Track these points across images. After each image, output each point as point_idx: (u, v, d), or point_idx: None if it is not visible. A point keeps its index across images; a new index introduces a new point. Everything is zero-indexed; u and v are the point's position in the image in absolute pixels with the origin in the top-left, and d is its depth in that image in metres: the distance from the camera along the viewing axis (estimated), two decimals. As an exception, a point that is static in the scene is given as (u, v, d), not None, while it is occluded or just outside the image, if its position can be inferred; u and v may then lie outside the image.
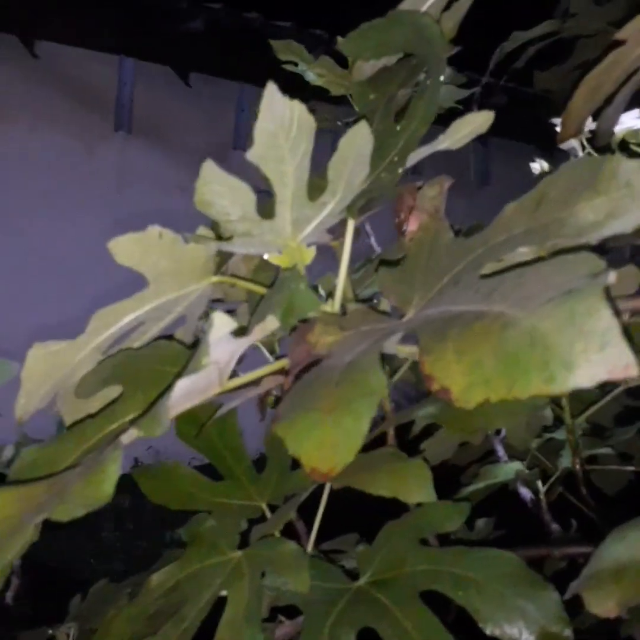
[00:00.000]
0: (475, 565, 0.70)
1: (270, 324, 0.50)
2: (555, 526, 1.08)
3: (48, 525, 0.42)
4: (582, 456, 1.12)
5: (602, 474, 1.28)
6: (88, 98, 4.69)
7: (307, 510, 0.83)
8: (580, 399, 1.03)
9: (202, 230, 0.58)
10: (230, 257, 0.62)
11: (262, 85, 0.47)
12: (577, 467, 0.90)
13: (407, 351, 0.51)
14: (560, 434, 1.11)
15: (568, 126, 0.67)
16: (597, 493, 1.31)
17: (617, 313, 0.35)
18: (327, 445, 0.40)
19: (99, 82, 4.77)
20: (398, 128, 0.57)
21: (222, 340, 0.46)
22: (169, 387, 0.44)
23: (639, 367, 0.34)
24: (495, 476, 1.09)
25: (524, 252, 0.46)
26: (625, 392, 1.25)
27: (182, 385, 0.44)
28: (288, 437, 0.41)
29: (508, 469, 1.09)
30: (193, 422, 0.80)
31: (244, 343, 0.50)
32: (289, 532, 0.83)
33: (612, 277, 0.37)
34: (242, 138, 5.02)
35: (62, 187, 4.65)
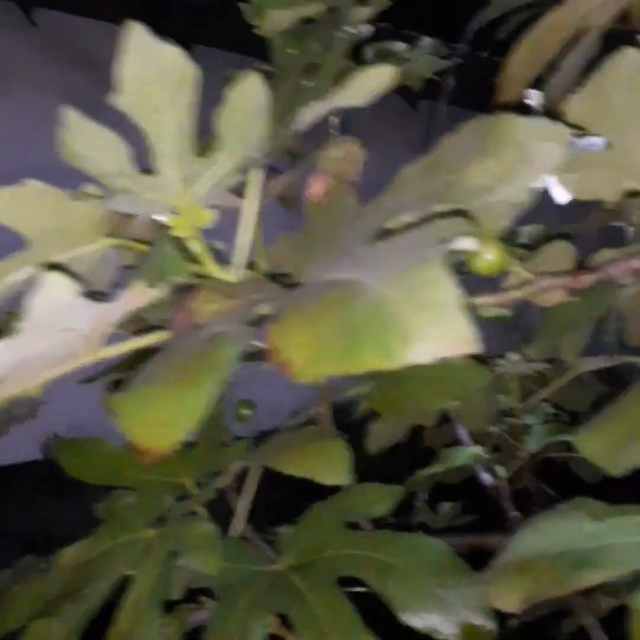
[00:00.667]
0: (400, 551, 0.66)
1: (139, 289, 0.47)
2: (514, 514, 1.05)
3: None
4: (553, 441, 1.08)
5: (579, 461, 1.25)
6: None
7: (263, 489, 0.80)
8: (543, 382, 0.99)
9: (87, 187, 0.54)
10: (134, 219, 0.58)
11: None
12: (519, 452, 0.86)
13: None
14: (529, 419, 1.07)
15: (504, 90, 0.63)
16: (576, 480, 1.27)
17: (458, 284, 0.30)
18: (157, 422, 0.36)
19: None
20: (309, 84, 0.53)
21: (75, 306, 0.42)
22: None
23: (479, 342, 0.30)
24: (453, 460, 1.05)
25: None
26: (598, 378, 1.21)
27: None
28: (120, 412, 0.38)
29: (467, 454, 1.05)
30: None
31: (114, 309, 0.46)
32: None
33: (458, 243, 0.33)
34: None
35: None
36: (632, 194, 0.55)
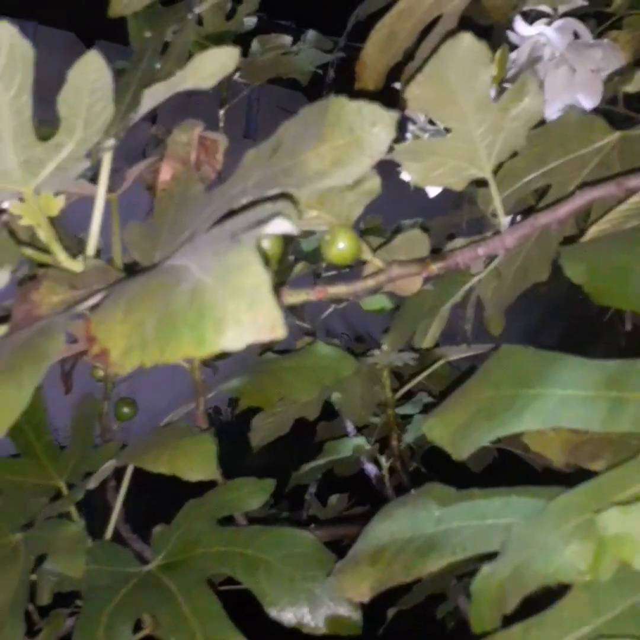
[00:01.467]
0: (268, 545, 0.66)
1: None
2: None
3: None
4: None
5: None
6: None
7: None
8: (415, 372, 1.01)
9: None
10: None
11: None
12: (395, 442, 0.87)
13: None
14: (409, 409, 1.08)
15: (362, 79, 0.63)
16: (465, 470, 1.29)
17: (267, 266, 0.30)
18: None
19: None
20: (157, 66, 0.52)
21: None
22: None
23: (285, 328, 0.30)
24: (337, 451, 1.06)
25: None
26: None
27: None
28: None
29: (350, 445, 1.06)
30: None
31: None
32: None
33: (277, 226, 0.32)
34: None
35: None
36: (480, 183, 0.56)
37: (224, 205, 0.45)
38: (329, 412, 1.08)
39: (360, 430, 1.12)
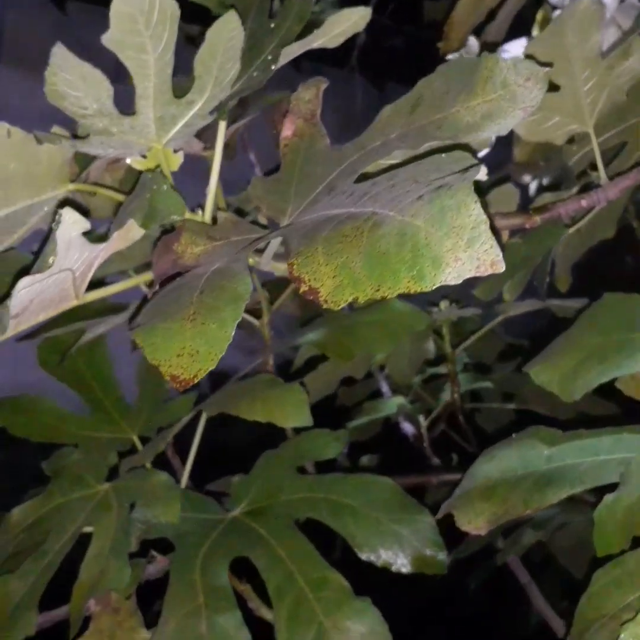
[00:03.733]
0: (352, 491, 0.69)
1: (131, 230, 0.46)
2: (436, 460, 1.09)
3: None
4: (463, 391, 1.13)
5: (484, 412, 1.30)
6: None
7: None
8: (461, 332, 1.04)
9: (57, 129, 0.53)
10: (91, 163, 0.57)
11: None
12: (456, 396, 0.90)
13: (283, 268, 0.48)
14: (443, 369, 1.11)
15: (451, 38, 0.65)
16: (479, 431, 1.33)
17: (485, 207, 0.33)
18: (187, 352, 0.37)
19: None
20: (272, 25, 0.53)
21: (74, 245, 0.42)
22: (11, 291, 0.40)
23: (504, 263, 0.32)
24: (378, 411, 1.09)
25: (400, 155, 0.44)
26: (506, 330, 1.27)
27: (26, 284, 0.39)
28: (146, 344, 0.38)
29: (390, 404, 1.09)
30: (56, 350, 0.76)
31: (102, 251, 0.46)
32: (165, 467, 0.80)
33: (482, 171, 0.35)
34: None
35: None
36: (572, 139, 0.59)
37: (365, 158, 0.47)
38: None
39: (394, 391, 1.15)
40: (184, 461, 0.81)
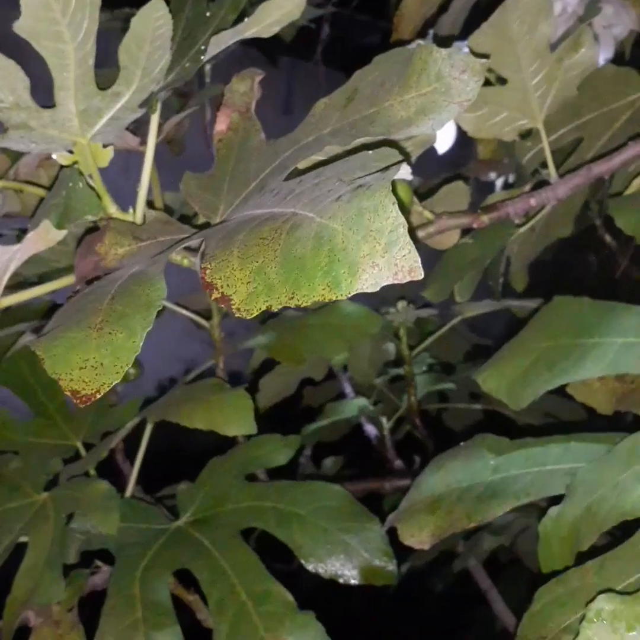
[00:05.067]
0: (300, 499, 0.67)
1: (48, 231, 0.44)
2: (398, 462, 1.07)
3: None
4: (427, 391, 1.11)
5: (451, 412, 1.28)
6: None
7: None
8: (421, 333, 1.01)
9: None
10: (18, 159, 0.54)
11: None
12: (412, 398, 0.88)
13: (190, 261, 0.45)
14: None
15: (401, 28, 0.63)
16: (448, 432, 1.31)
17: (402, 207, 0.30)
18: (91, 365, 0.34)
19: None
20: (208, 14, 0.51)
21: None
22: None
23: (422, 270, 0.30)
24: (339, 413, 1.07)
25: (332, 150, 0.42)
26: (472, 329, 1.25)
27: None
28: (47, 356, 0.35)
29: (352, 406, 1.06)
30: (-5, 354, 0.73)
31: (15, 253, 0.43)
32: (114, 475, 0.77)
33: (406, 170, 0.32)
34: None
35: None
36: (524, 134, 0.57)
37: (297, 154, 0.45)
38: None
39: (357, 393, 1.13)
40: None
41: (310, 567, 0.63)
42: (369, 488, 0.82)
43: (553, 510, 0.46)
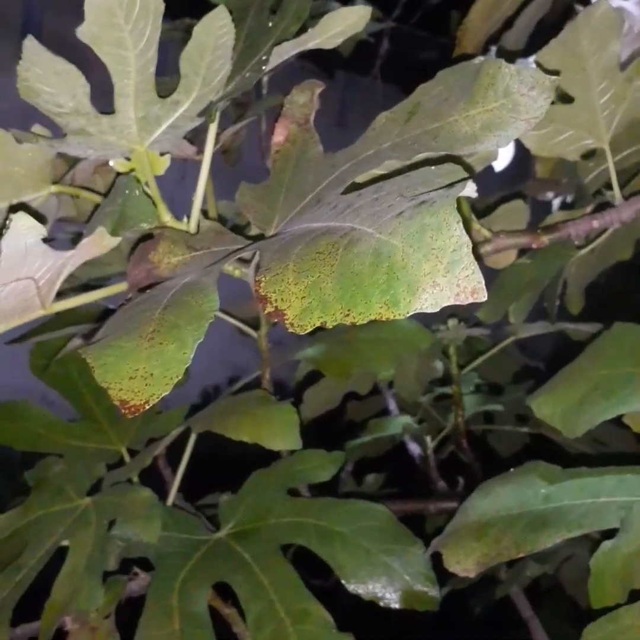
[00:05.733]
0: (342, 518, 0.65)
1: (102, 237, 0.43)
2: (441, 483, 1.05)
3: None
4: (473, 412, 1.09)
5: (497, 434, 1.26)
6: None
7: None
8: (471, 352, 1.00)
9: (37, 128, 0.50)
10: (75, 164, 0.54)
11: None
12: (460, 418, 0.86)
13: (242, 272, 0.45)
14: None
15: (464, 43, 0.62)
16: (492, 454, 1.28)
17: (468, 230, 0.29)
18: (140, 375, 0.34)
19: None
20: (270, 24, 0.50)
21: (33, 253, 0.39)
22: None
23: (486, 291, 0.29)
24: (383, 430, 1.05)
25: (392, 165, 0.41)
26: (523, 351, 1.23)
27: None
28: (97, 364, 0.35)
29: (396, 423, 1.05)
30: (48, 355, 0.73)
31: (69, 259, 0.43)
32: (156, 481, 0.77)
33: (471, 188, 0.31)
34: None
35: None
36: (586, 154, 0.55)
37: (356, 168, 0.44)
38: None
39: (401, 410, 1.11)
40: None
41: (351, 588, 0.62)
42: (413, 509, 0.80)
43: (606, 544, 0.45)
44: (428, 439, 1.05)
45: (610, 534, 0.46)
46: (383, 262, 0.31)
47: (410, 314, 0.30)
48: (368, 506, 0.66)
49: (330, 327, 0.31)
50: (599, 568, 0.44)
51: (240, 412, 0.64)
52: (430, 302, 0.30)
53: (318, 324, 0.32)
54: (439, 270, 0.29)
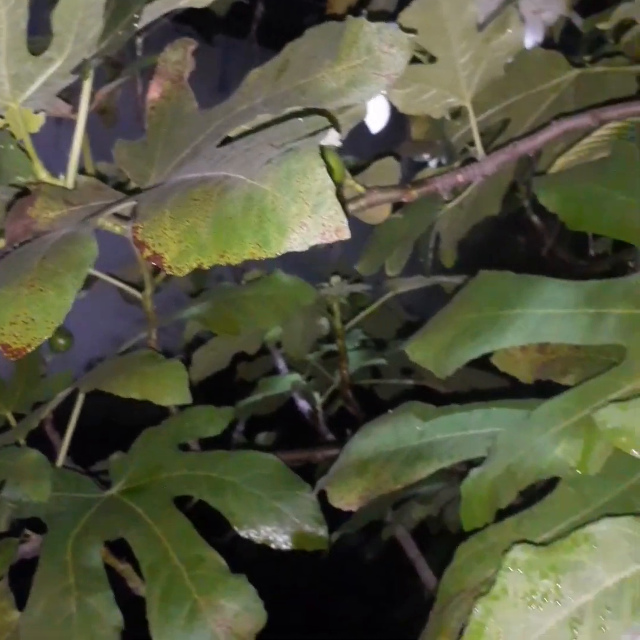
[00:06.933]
0: (233, 468, 0.67)
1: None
2: (330, 436, 1.09)
3: None
4: (359, 367, 1.13)
5: (384, 387, 1.31)
6: None
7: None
8: (355, 309, 1.03)
9: None
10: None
11: None
12: (344, 371, 0.89)
13: (122, 229, 0.46)
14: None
15: (335, 6, 0.64)
16: (380, 408, 1.33)
17: (331, 172, 0.32)
18: (21, 320, 0.35)
19: None
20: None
21: None
22: None
23: (349, 230, 0.31)
24: (272, 388, 1.08)
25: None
26: (406, 307, 1.27)
27: None
28: (-23, 312, 0.35)
29: (285, 381, 1.08)
30: None
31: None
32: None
33: (334, 136, 0.34)
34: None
35: None
36: (455, 114, 0.59)
37: (230, 122, 0.45)
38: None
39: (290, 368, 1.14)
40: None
41: (243, 533, 0.64)
42: (301, 458, 0.83)
43: (474, 471, 0.48)
44: (316, 395, 1.08)
45: (479, 464, 0.50)
46: (254, 205, 0.33)
47: (281, 252, 0.32)
48: (258, 456, 0.68)
49: (207, 268, 0.33)
50: (468, 493, 0.48)
51: (128, 370, 0.64)
52: (299, 241, 0.32)
53: (195, 265, 0.33)
54: (306, 212, 0.32)
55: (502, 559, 0.38)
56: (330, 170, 0.32)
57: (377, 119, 0.80)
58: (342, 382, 0.91)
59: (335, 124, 0.36)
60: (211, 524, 0.68)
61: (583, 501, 0.44)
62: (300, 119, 0.38)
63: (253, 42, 1.34)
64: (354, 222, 0.65)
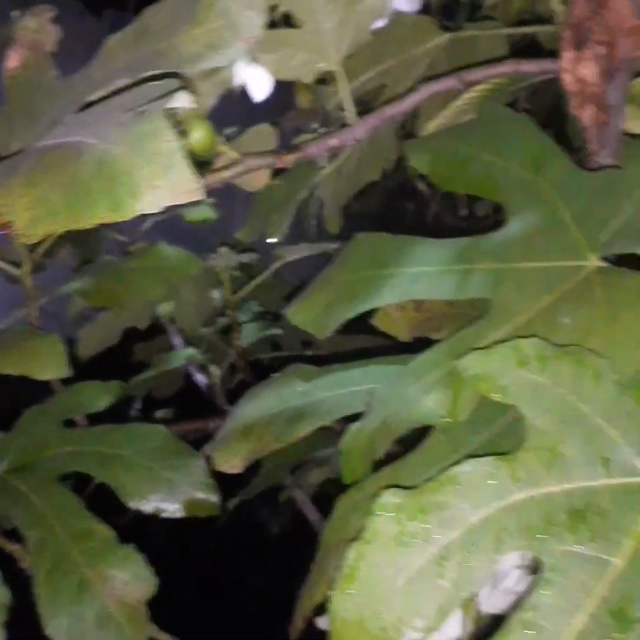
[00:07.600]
0: (123, 442, 0.67)
1: None
2: (228, 409, 1.09)
3: None
4: (255, 339, 1.13)
5: (284, 360, 1.31)
6: None
7: None
8: (247, 281, 1.03)
9: None
10: None
11: None
12: (237, 342, 0.90)
13: None
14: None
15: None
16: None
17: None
18: None
19: None
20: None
21: None
22: None
23: (203, 190, 0.31)
24: (167, 363, 1.07)
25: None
26: (296, 276, 1.29)
27: None
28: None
29: (180, 356, 1.07)
30: None
31: None
32: None
33: (185, 99, 0.34)
34: None
35: None
36: (323, 80, 0.59)
37: (90, 88, 0.45)
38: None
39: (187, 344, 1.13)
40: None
41: (132, 505, 0.64)
42: (193, 428, 0.83)
43: (353, 426, 0.50)
44: (213, 368, 1.08)
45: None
46: (106, 169, 0.33)
47: (134, 215, 0.32)
48: (147, 428, 0.68)
49: (59, 233, 0.33)
50: (348, 447, 0.49)
51: (4, 347, 0.63)
52: (151, 203, 0.32)
53: (48, 231, 0.33)
54: (157, 174, 0.32)
55: (373, 504, 0.39)
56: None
57: (260, 87, 0.80)
58: (237, 353, 0.91)
59: (188, 87, 0.37)
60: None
61: (454, 447, 0.46)
62: (156, 83, 0.38)
63: (131, 11, 1.30)
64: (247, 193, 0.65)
